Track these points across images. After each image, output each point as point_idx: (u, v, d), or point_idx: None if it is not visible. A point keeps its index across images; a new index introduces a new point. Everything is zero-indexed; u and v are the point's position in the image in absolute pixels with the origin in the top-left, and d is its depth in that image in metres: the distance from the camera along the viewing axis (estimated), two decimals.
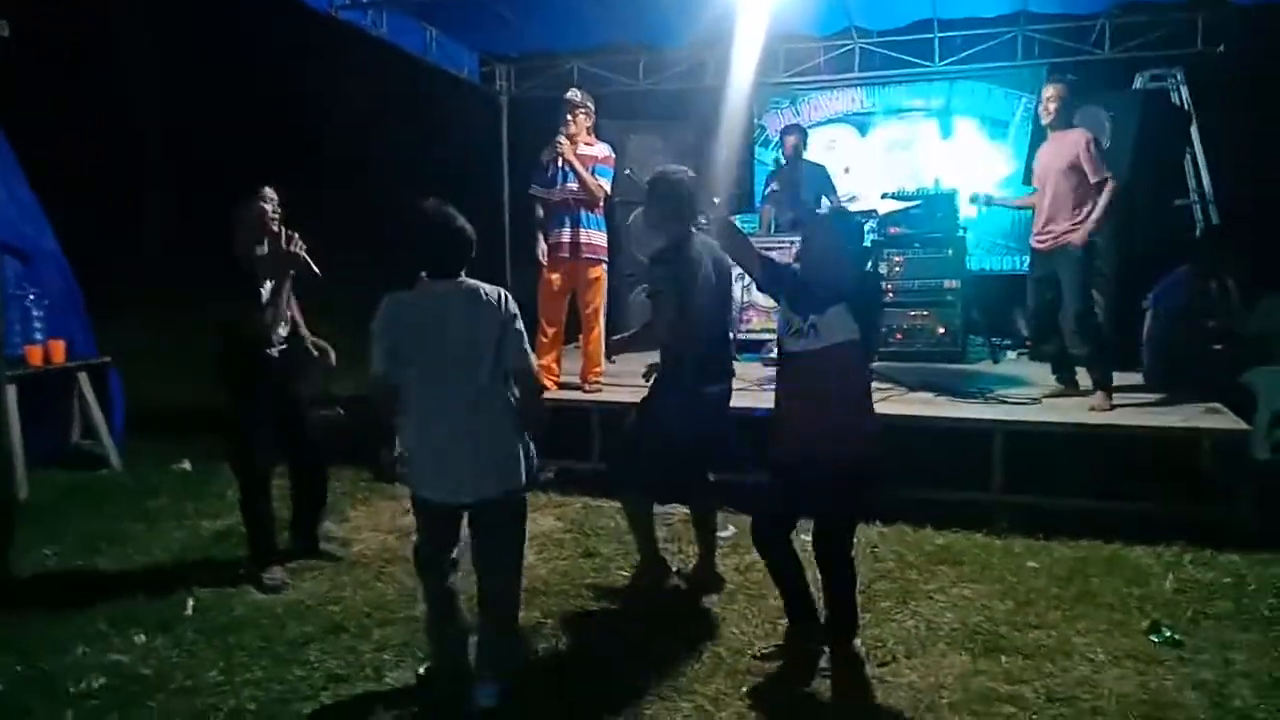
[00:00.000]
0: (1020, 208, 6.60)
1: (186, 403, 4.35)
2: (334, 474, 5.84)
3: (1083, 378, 5.54)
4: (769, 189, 7.54)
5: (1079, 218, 5.24)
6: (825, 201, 7.41)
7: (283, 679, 3.41)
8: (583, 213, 5.75)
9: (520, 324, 3.13)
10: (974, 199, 6.31)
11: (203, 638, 3.72)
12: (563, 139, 5.67)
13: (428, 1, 6.56)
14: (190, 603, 4.02)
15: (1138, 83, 7.59)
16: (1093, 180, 5.19)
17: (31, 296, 6.07)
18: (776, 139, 8.73)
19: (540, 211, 5.91)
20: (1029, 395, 5.57)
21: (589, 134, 5.79)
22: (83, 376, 6.10)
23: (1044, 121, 5.43)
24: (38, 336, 5.98)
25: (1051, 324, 5.56)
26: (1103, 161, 5.23)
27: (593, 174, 5.69)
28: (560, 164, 5.70)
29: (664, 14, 7.07)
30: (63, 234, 6.38)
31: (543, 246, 5.87)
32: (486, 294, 3.09)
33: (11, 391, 5.06)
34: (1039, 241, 5.45)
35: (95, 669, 3.45)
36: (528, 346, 3.17)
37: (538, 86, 8.76)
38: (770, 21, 6.47)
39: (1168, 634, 3.60)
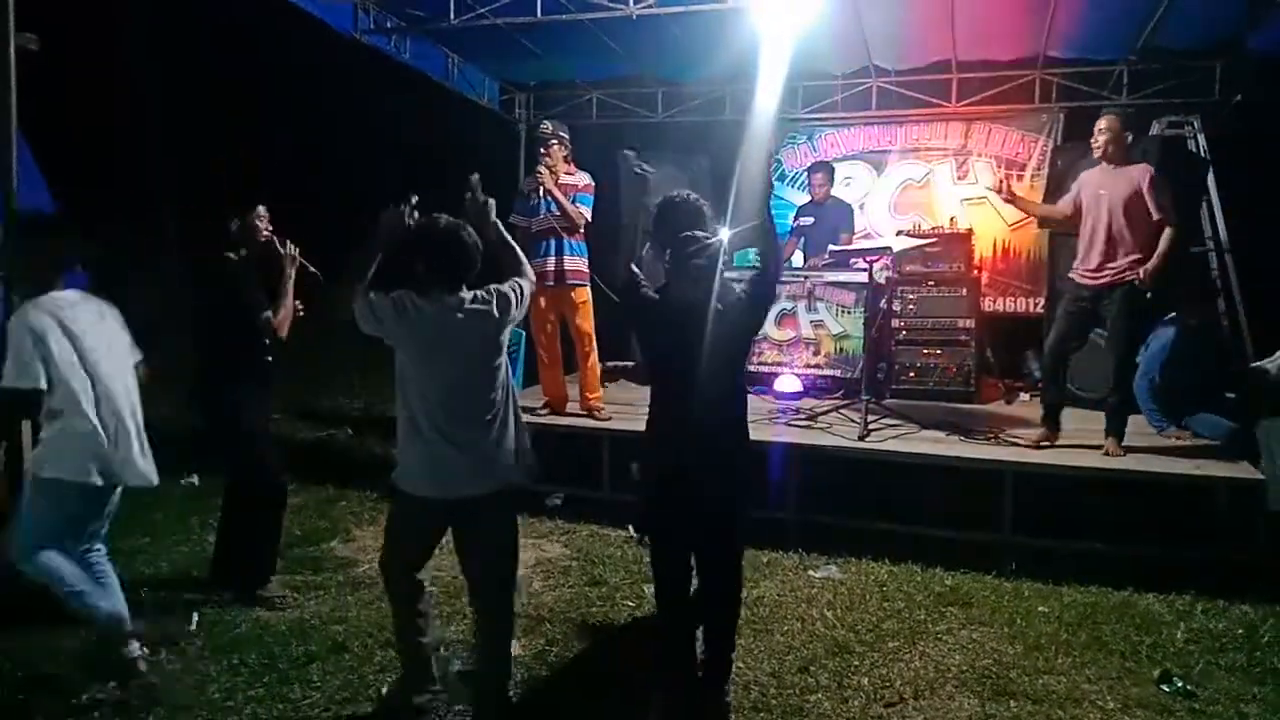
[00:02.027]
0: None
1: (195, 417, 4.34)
2: (340, 494, 5.90)
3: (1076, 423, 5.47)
4: (796, 223, 7.58)
5: (1139, 256, 5.02)
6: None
7: (285, 698, 3.40)
8: (565, 240, 5.84)
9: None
10: None
11: (207, 653, 3.71)
12: (543, 169, 5.78)
13: (451, 29, 6.64)
14: (195, 617, 4.00)
15: (1155, 130, 7.60)
16: (1155, 217, 4.98)
17: None
18: (794, 174, 8.78)
19: (519, 240, 5.96)
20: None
21: (567, 163, 5.89)
22: None
23: (1096, 155, 5.20)
24: None
25: (1067, 361, 5.46)
26: (1168, 201, 4.99)
27: (573, 202, 5.79)
28: (542, 193, 5.80)
29: (684, 49, 7.15)
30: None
31: None
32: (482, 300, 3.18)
33: None
34: (1090, 276, 5.17)
35: (99, 681, 3.43)
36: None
37: (557, 115, 8.83)
38: (790, 59, 6.54)
39: (1179, 684, 3.55)
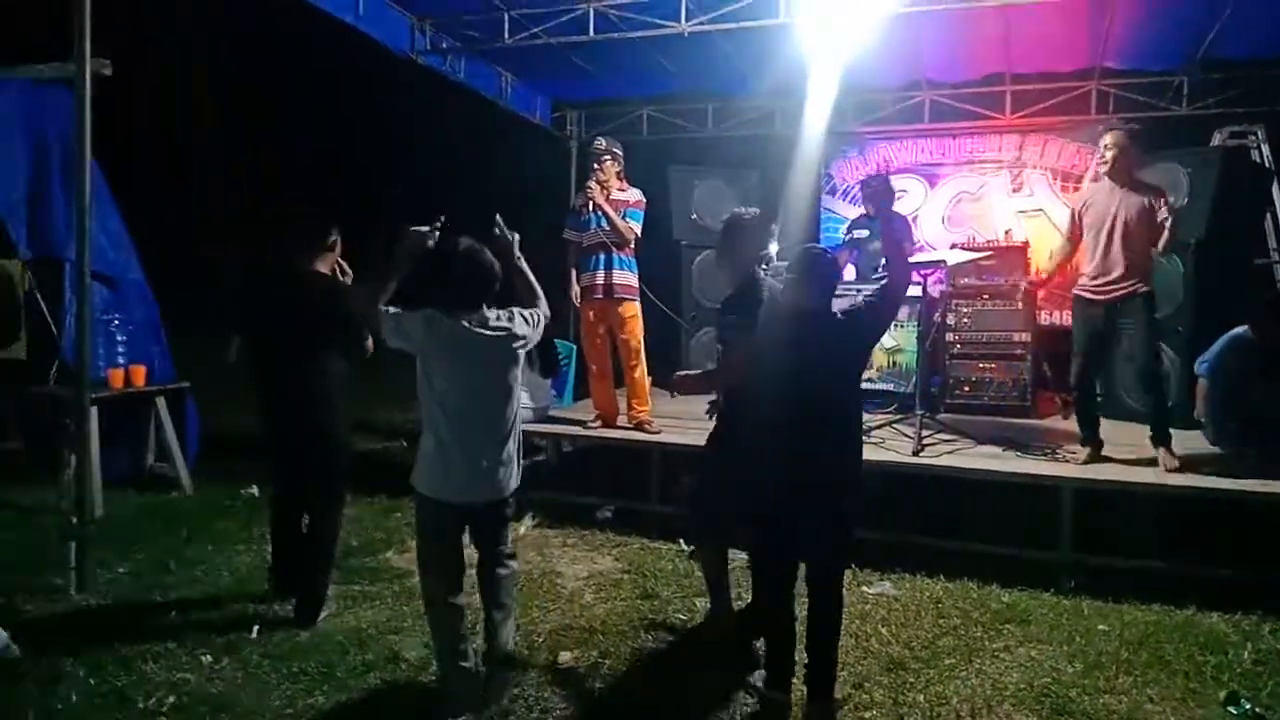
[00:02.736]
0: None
1: (256, 429, 4.43)
2: (395, 505, 5.98)
3: (1114, 437, 5.41)
4: (849, 236, 7.54)
5: (1145, 271, 5.10)
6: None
7: (344, 706, 3.45)
8: (615, 255, 5.89)
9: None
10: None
11: (268, 661, 3.77)
12: (593, 184, 5.85)
13: (505, 49, 6.74)
14: (256, 626, 4.09)
15: (1216, 140, 7.46)
16: (1163, 235, 5.04)
17: (116, 321, 6.31)
18: (845, 187, 8.75)
19: (571, 254, 6.08)
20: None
21: (619, 179, 5.94)
22: (160, 401, 6.30)
23: (1103, 171, 5.17)
24: (120, 360, 6.22)
25: (1095, 387, 5.45)
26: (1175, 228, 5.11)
27: (623, 218, 5.84)
28: (592, 208, 5.86)
29: (735, 65, 7.18)
30: (148, 263, 6.63)
31: (575, 288, 6.07)
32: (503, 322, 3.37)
33: (93, 413, 5.24)
34: (1101, 293, 5.15)
35: (164, 687, 3.53)
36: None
37: (608, 132, 8.90)
38: (842, 73, 6.55)
39: (1247, 706, 3.46)
